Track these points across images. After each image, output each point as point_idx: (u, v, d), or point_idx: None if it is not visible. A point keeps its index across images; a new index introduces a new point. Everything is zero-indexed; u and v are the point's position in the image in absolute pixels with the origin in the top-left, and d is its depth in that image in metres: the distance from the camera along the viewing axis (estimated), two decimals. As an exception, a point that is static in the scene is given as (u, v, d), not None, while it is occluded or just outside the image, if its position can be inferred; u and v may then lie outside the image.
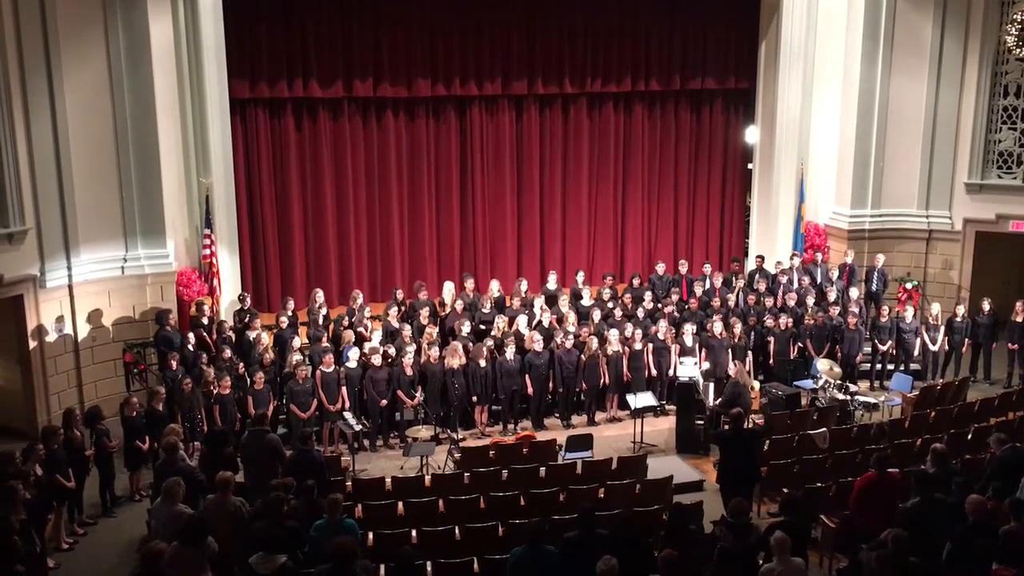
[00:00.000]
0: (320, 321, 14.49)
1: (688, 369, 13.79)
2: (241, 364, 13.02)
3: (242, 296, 14.94)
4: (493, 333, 14.17)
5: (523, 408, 14.03)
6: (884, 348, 15.36)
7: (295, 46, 16.15)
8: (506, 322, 14.40)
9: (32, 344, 13.37)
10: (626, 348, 14.07)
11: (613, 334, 14.02)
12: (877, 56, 16.92)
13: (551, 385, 13.88)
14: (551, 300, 15.44)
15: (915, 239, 17.48)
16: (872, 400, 13.65)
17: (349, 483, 10.87)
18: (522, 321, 14.38)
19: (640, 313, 15.11)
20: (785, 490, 10.08)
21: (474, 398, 13.50)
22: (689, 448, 12.99)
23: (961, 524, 7.91)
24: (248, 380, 12.60)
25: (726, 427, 11.37)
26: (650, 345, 14.23)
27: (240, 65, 15.67)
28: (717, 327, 14.30)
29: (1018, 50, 16.32)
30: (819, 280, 16.51)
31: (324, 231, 17.22)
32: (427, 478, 11.06)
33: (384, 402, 13.06)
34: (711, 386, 13.47)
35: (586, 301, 15.49)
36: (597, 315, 14.73)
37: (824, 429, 12.07)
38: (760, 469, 10.73)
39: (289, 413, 12.71)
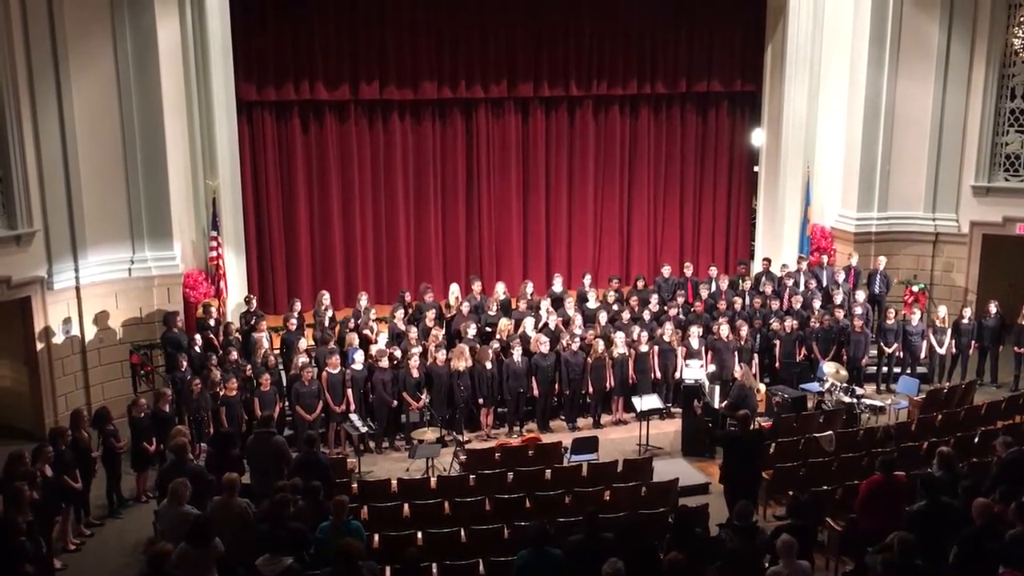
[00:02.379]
0: (326, 323, 14.51)
1: (694, 372, 13.80)
2: (248, 366, 13.05)
3: (248, 298, 14.95)
4: (498, 335, 14.18)
5: (528, 410, 14.03)
6: (890, 351, 15.31)
7: (301, 49, 16.20)
8: (511, 324, 14.41)
9: (39, 346, 13.41)
10: (632, 350, 14.06)
11: (619, 336, 14.01)
12: (884, 59, 16.88)
13: (557, 387, 13.90)
14: (557, 302, 15.43)
15: (922, 242, 17.43)
16: (878, 403, 13.61)
17: (355, 485, 10.88)
18: (528, 323, 14.39)
19: (646, 316, 15.10)
20: (791, 493, 10.04)
21: (479, 400, 13.51)
22: (695, 451, 12.97)
23: (967, 528, 7.89)
24: (255, 382, 12.62)
25: (732, 428, 11.37)
26: (656, 348, 14.22)
27: (247, 68, 15.74)
28: (723, 330, 14.28)
29: (1025, 52, 16.30)
30: (825, 283, 16.47)
31: (330, 233, 17.26)
32: (433, 480, 11.07)
33: (393, 403, 13.09)
34: (717, 389, 13.46)
35: (592, 303, 15.49)
36: (603, 317, 14.73)
37: (830, 432, 12.06)
38: (762, 472, 10.72)
39: (295, 415, 12.73)
